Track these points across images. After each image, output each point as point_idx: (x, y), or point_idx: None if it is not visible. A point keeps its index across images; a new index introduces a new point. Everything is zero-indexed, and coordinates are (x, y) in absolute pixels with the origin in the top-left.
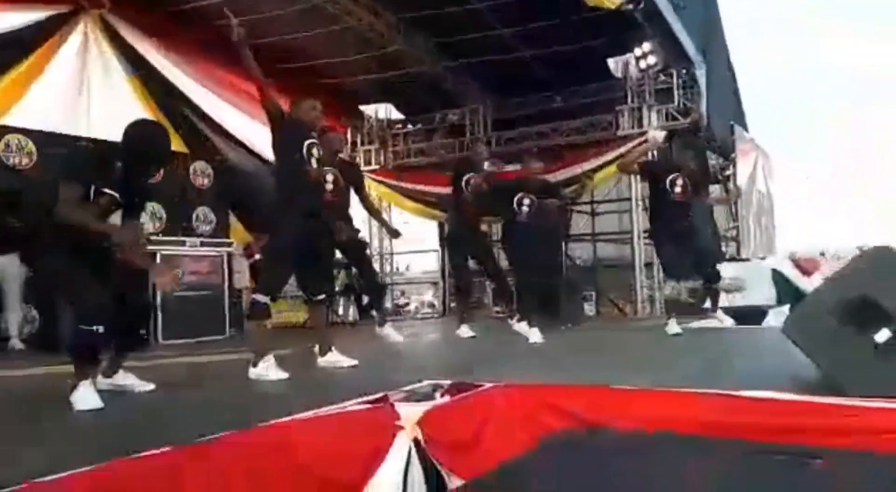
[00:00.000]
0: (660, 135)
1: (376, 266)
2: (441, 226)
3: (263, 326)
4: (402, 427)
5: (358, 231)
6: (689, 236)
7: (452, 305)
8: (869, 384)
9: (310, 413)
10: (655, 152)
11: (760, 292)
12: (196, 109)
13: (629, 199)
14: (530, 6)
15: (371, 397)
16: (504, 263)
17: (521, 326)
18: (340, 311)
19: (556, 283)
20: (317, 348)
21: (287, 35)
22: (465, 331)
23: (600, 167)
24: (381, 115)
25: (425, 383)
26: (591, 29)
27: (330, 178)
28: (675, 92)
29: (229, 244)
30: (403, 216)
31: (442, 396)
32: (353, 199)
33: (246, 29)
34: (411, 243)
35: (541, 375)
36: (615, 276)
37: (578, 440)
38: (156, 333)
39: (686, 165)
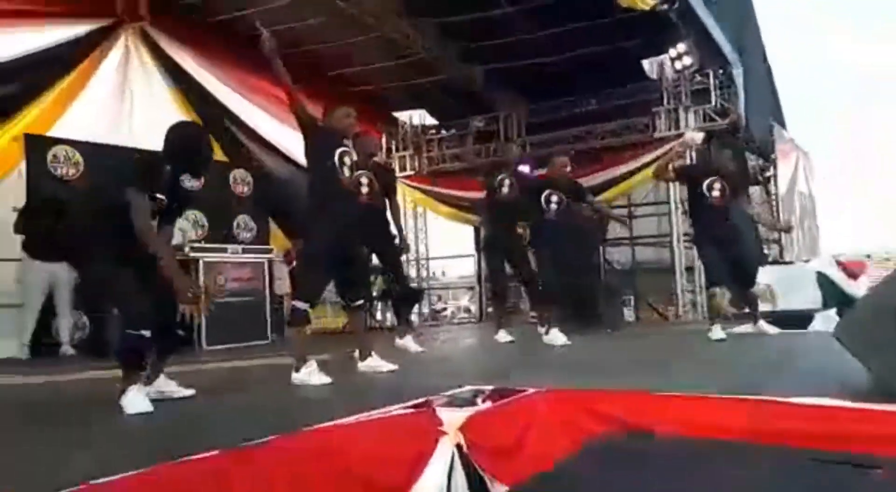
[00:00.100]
0: (697, 136)
1: (412, 272)
2: (477, 230)
3: (304, 331)
4: (444, 432)
5: (395, 237)
6: (731, 240)
7: (489, 310)
8: None
9: (353, 418)
10: (693, 154)
11: (805, 296)
12: (234, 118)
13: (667, 202)
14: (562, 9)
15: (413, 402)
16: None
17: (551, 337)
18: (378, 316)
19: (587, 284)
20: (356, 353)
21: (322, 44)
22: (502, 336)
23: (637, 170)
24: (416, 122)
25: (467, 388)
26: (625, 30)
27: (365, 181)
28: (712, 92)
29: (270, 251)
30: (439, 221)
31: (483, 401)
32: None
33: (281, 39)
34: (448, 248)
35: (582, 380)
36: (654, 280)
37: (620, 446)
38: (199, 339)
39: (724, 168)
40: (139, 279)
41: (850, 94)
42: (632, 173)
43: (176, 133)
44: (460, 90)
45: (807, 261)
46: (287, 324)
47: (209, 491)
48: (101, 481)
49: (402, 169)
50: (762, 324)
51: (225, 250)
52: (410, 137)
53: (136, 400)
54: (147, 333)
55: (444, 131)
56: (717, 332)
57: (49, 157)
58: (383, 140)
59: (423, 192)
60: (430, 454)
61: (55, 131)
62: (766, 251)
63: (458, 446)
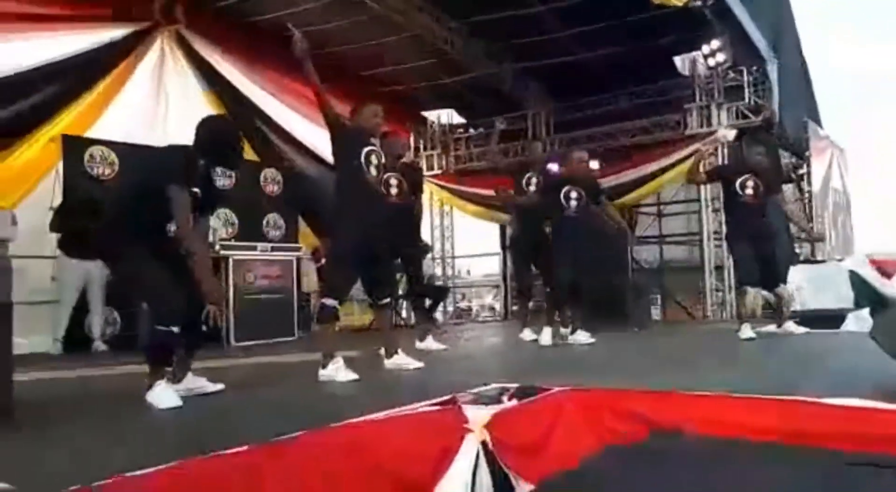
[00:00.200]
0: (730, 133)
1: (438, 270)
2: (502, 229)
3: (332, 328)
4: (470, 430)
5: (420, 238)
6: (765, 238)
7: (514, 308)
8: None
9: (381, 414)
10: (725, 152)
11: (837, 295)
12: (265, 118)
13: (697, 200)
14: (593, 6)
15: (439, 400)
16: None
17: (576, 336)
18: (404, 313)
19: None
20: (383, 351)
21: (352, 45)
22: (527, 334)
23: (668, 168)
24: (444, 121)
25: (493, 385)
26: (657, 27)
27: (394, 182)
28: (746, 89)
29: (298, 249)
30: (465, 219)
31: (509, 399)
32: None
33: (311, 39)
34: (473, 246)
35: (608, 378)
36: (683, 278)
37: (646, 445)
38: (227, 335)
39: (757, 166)
40: (170, 274)
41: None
42: (662, 171)
43: (206, 127)
44: (489, 89)
45: (840, 259)
46: (316, 321)
47: (239, 486)
48: (132, 474)
49: (430, 168)
50: (789, 324)
51: (254, 248)
52: (438, 137)
53: (164, 395)
54: (176, 329)
55: (471, 130)
56: (747, 331)
57: (86, 157)
58: (411, 139)
59: (450, 191)
60: (455, 451)
61: (92, 133)
62: (797, 250)
63: (484, 444)
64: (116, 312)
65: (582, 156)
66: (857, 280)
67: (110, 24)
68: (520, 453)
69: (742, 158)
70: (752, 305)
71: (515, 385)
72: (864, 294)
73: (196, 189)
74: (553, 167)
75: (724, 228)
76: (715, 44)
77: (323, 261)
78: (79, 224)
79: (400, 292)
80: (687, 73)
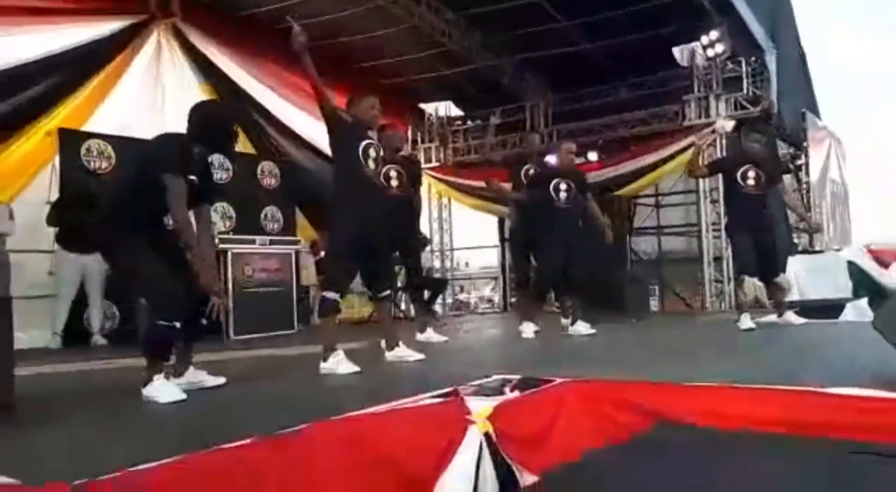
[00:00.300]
0: (728, 124)
1: (437, 262)
2: (501, 221)
3: (333, 321)
4: (473, 422)
5: (419, 231)
6: (765, 229)
7: (512, 300)
8: None
9: (383, 407)
10: (724, 143)
11: (835, 285)
12: (262, 111)
13: (696, 191)
14: None
15: (442, 392)
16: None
17: (576, 327)
18: (403, 306)
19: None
20: (383, 343)
21: (350, 36)
22: (527, 326)
23: (667, 159)
24: (441, 113)
25: (495, 377)
26: (656, 18)
27: (394, 174)
28: (744, 80)
29: (297, 242)
30: (463, 212)
31: (511, 390)
32: None
33: (308, 32)
34: (471, 239)
35: (609, 370)
36: (681, 269)
37: (648, 437)
38: (227, 329)
39: (756, 155)
40: (168, 268)
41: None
42: (662, 162)
43: (199, 112)
44: (487, 81)
45: (838, 250)
46: (317, 314)
47: (243, 479)
48: (136, 468)
49: (428, 160)
50: (788, 314)
51: (253, 242)
52: (436, 129)
53: (164, 389)
54: (178, 324)
55: (469, 122)
56: (746, 321)
57: (82, 151)
58: (409, 132)
59: (448, 183)
60: (458, 443)
61: (89, 126)
62: (795, 240)
63: (487, 436)
64: (115, 307)
65: (570, 147)
66: (855, 270)
67: (106, 17)
68: (523, 445)
69: (741, 148)
70: (751, 294)
71: (517, 377)
72: (863, 284)
73: (193, 177)
74: (551, 159)
75: (722, 218)
76: (713, 34)
77: (321, 254)
78: (76, 218)
79: (399, 285)
80: (686, 63)
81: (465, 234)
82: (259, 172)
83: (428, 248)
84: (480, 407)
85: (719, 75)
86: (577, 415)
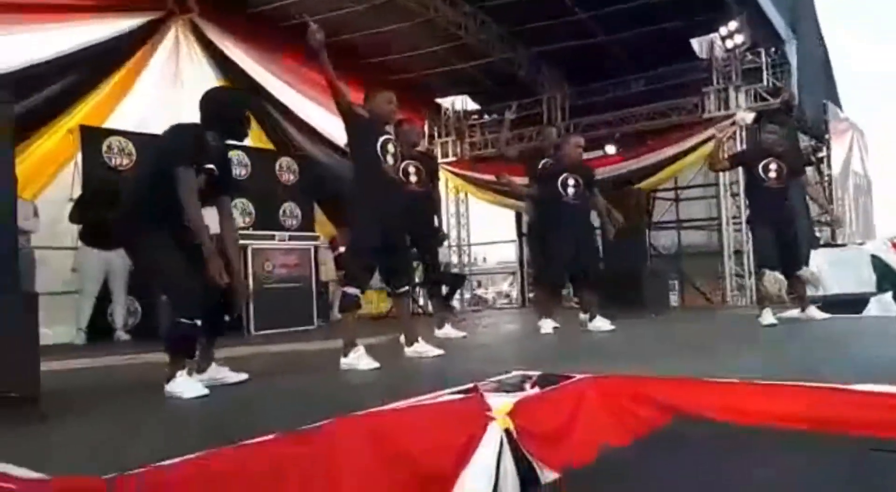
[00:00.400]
0: (748, 116)
1: (454, 257)
2: (518, 216)
3: (353, 316)
4: (493, 418)
5: (436, 226)
6: (787, 222)
7: (530, 295)
8: None
9: (403, 403)
10: (744, 136)
11: (859, 279)
12: (280, 106)
13: (716, 184)
14: None
15: (462, 388)
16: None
17: (596, 323)
18: (420, 301)
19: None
20: (402, 339)
21: (364, 32)
22: (545, 322)
23: (686, 152)
24: (458, 107)
25: (514, 373)
26: (674, 9)
27: (412, 169)
28: (764, 71)
29: (315, 238)
30: (480, 207)
31: (531, 387)
32: None
33: (323, 27)
34: (488, 234)
35: (629, 365)
36: (701, 263)
37: (669, 432)
38: (248, 324)
39: (773, 147)
40: (189, 264)
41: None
42: (683, 154)
43: (210, 99)
44: (503, 74)
45: (861, 243)
46: (338, 309)
47: (265, 474)
48: (161, 464)
49: (445, 155)
50: (810, 309)
51: (272, 238)
52: (452, 123)
53: (187, 385)
54: (199, 321)
55: (485, 116)
56: (768, 317)
57: (103, 148)
58: (425, 127)
59: (465, 178)
60: (479, 440)
61: (109, 123)
62: (817, 233)
63: (507, 432)
64: (138, 302)
65: (578, 141)
66: (879, 264)
67: (125, 13)
68: (543, 441)
69: (760, 142)
70: (772, 288)
71: (537, 373)
72: (887, 278)
73: (211, 166)
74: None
75: (742, 212)
76: (732, 25)
77: (340, 249)
78: (98, 215)
79: (416, 280)
80: (704, 55)
81: (483, 229)
82: (277, 167)
83: (445, 243)
84: (500, 403)
85: (739, 67)
86: (597, 411)
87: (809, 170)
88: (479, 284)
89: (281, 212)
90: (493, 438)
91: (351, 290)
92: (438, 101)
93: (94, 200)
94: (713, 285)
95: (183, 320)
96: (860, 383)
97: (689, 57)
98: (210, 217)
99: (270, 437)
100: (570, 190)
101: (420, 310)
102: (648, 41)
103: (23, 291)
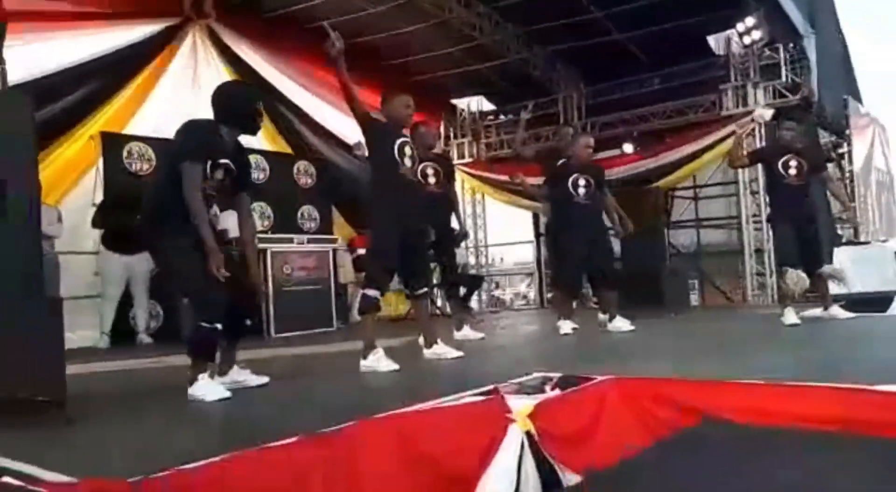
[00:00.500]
0: (767, 113)
1: (472, 258)
2: (535, 216)
3: (373, 318)
4: (513, 420)
5: (454, 228)
6: (808, 219)
7: (548, 296)
8: None
9: (424, 405)
10: (763, 133)
11: (883, 277)
12: (297, 111)
13: (735, 182)
14: None
15: (482, 389)
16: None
17: (616, 323)
18: (439, 302)
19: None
20: (421, 340)
21: (380, 34)
22: (564, 322)
23: (705, 150)
24: (473, 108)
25: (535, 375)
26: (689, 6)
27: (430, 171)
28: (783, 67)
29: (334, 240)
30: (497, 207)
31: (552, 389)
32: None
33: (337, 29)
34: (505, 235)
35: (650, 366)
36: (721, 262)
37: (693, 435)
38: (268, 327)
39: (793, 145)
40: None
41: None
42: (701, 152)
43: (221, 93)
44: (519, 74)
45: (884, 241)
46: (358, 311)
47: (288, 477)
48: (185, 467)
49: (461, 156)
50: (834, 308)
51: (291, 241)
52: (468, 124)
53: (209, 388)
54: (219, 325)
55: (501, 117)
56: (790, 316)
57: (124, 153)
58: (441, 128)
59: (481, 179)
60: (499, 442)
61: (130, 129)
62: (839, 231)
63: (528, 434)
64: (159, 306)
65: (588, 141)
66: None
67: (143, 20)
68: (565, 444)
69: (779, 138)
70: (794, 286)
71: (558, 375)
72: None
73: (226, 160)
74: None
75: (763, 210)
76: (750, 21)
77: (358, 251)
78: (119, 220)
79: (434, 282)
80: (721, 52)
81: (500, 229)
82: (295, 171)
83: (463, 244)
84: (521, 405)
85: (756, 63)
86: (618, 413)
87: (830, 166)
88: (497, 286)
89: (299, 215)
90: (513, 440)
91: (371, 292)
92: (454, 101)
93: (115, 206)
94: (734, 284)
95: (204, 324)
96: (886, 383)
97: (705, 54)
98: (233, 221)
99: (292, 440)
100: (581, 190)
101: (438, 311)
102: (664, 39)
103: (48, 297)
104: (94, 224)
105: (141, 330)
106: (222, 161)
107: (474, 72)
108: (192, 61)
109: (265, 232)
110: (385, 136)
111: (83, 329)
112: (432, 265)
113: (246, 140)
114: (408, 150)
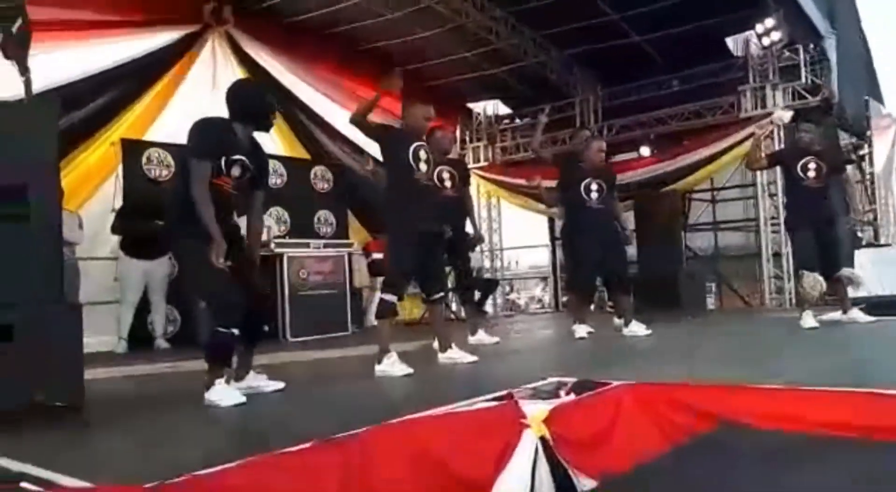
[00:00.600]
0: (786, 115)
1: (486, 262)
2: (551, 220)
3: (389, 323)
4: (528, 425)
5: (468, 234)
6: (826, 223)
7: (563, 299)
8: None
9: (439, 410)
10: (782, 134)
11: None
12: (314, 116)
13: (753, 185)
14: None
15: (496, 395)
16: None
17: (631, 328)
18: (453, 307)
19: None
20: (436, 345)
21: (396, 39)
22: (580, 327)
23: (723, 152)
24: (489, 112)
25: (550, 380)
26: (706, 8)
27: (446, 175)
28: (802, 68)
29: (350, 245)
30: (512, 211)
31: (567, 394)
32: None
33: (355, 36)
34: (520, 238)
35: (667, 371)
36: (739, 266)
37: (710, 441)
38: (284, 331)
39: (812, 147)
40: (229, 274)
41: None
42: (720, 154)
43: (234, 91)
44: (535, 77)
45: None
46: (375, 315)
47: (304, 482)
48: (201, 472)
49: (476, 160)
50: (853, 311)
51: (307, 245)
52: (484, 128)
53: (225, 393)
54: (237, 331)
55: (517, 120)
56: (809, 320)
57: (143, 160)
58: (457, 132)
59: (497, 182)
60: (514, 447)
61: (150, 135)
62: (859, 233)
63: (543, 439)
64: (177, 311)
65: (600, 145)
66: None
67: (163, 27)
68: (580, 449)
69: (799, 140)
70: (812, 290)
71: (573, 379)
72: None
73: (240, 156)
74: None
75: (781, 213)
76: (769, 22)
77: (374, 256)
78: (138, 226)
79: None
80: (739, 53)
81: (515, 233)
82: (312, 176)
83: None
84: (536, 410)
85: (776, 64)
86: (634, 418)
87: (850, 168)
88: (512, 289)
89: (316, 220)
90: (527, 445)
91: (388, 296)
92: (470, 105)
93: (134, 211)
94: (751, 288)
95: (221, 329)
96: None
97: (724, 56)
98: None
99: (308, 445)
100: (594, 195)
101: (453, 316)
102: (682, 41)
103: (67, 303)
104: (114, 230)
105: (158, 335)
106: (237, 157)
107: (490, 76)
108: (211, 68)
109: (282, 237)
110: (400, 141)
111: (101, 334)
112: (447, 269)
113: (263, 145)
114: (423, 154)
